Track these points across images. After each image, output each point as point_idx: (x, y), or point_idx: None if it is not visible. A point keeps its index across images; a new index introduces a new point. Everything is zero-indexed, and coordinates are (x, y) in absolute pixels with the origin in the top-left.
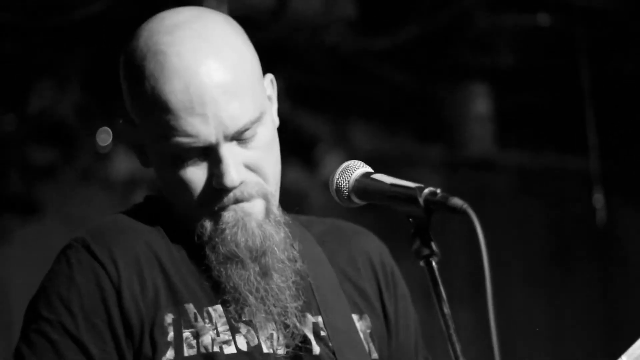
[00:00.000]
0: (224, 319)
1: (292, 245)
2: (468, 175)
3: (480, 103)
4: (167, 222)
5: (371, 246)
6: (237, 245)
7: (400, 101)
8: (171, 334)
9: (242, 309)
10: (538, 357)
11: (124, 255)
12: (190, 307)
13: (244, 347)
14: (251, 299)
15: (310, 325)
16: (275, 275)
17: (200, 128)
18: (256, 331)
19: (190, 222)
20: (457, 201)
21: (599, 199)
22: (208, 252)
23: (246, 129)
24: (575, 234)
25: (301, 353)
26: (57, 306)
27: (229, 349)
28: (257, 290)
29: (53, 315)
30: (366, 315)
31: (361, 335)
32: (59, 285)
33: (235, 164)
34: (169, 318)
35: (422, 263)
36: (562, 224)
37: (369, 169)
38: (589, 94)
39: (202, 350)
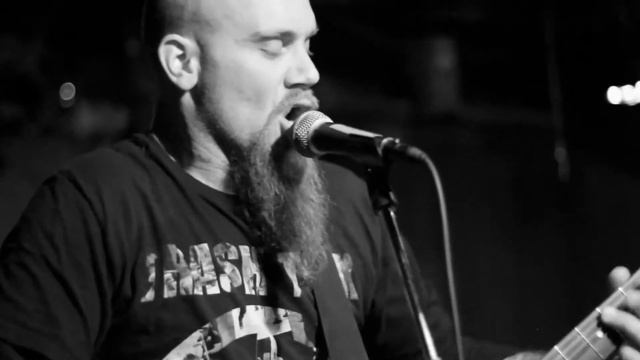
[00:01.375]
0: (210, 258)
1: None
2: (432, 130)
3: (444, 58)
4: (156, 159)
5: (351, 185)
6: None
7: (365, 56)
8: (152, 275)
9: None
10: (502, 312)
11: (110, 191)
12: (173, 248)
13: (227, 287)
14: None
15: (293, 267)
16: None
17: (298, 14)
18: (241, 271)
19: (241, 131)
20: (415, 151)
21: (561, 152)
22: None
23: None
24: (539, 189)
25: (282, 295)
26: (40, 239)
27: (212, 289)
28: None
29: (35, 248)
30: (347, 255)
31: (341, 275)
32: (43, 218)
33: None
34: (151, 258)
35: (380, 213)
36: (526, 179)
37: (328, 119)
38: (552, 49)
39: (182, 292)
